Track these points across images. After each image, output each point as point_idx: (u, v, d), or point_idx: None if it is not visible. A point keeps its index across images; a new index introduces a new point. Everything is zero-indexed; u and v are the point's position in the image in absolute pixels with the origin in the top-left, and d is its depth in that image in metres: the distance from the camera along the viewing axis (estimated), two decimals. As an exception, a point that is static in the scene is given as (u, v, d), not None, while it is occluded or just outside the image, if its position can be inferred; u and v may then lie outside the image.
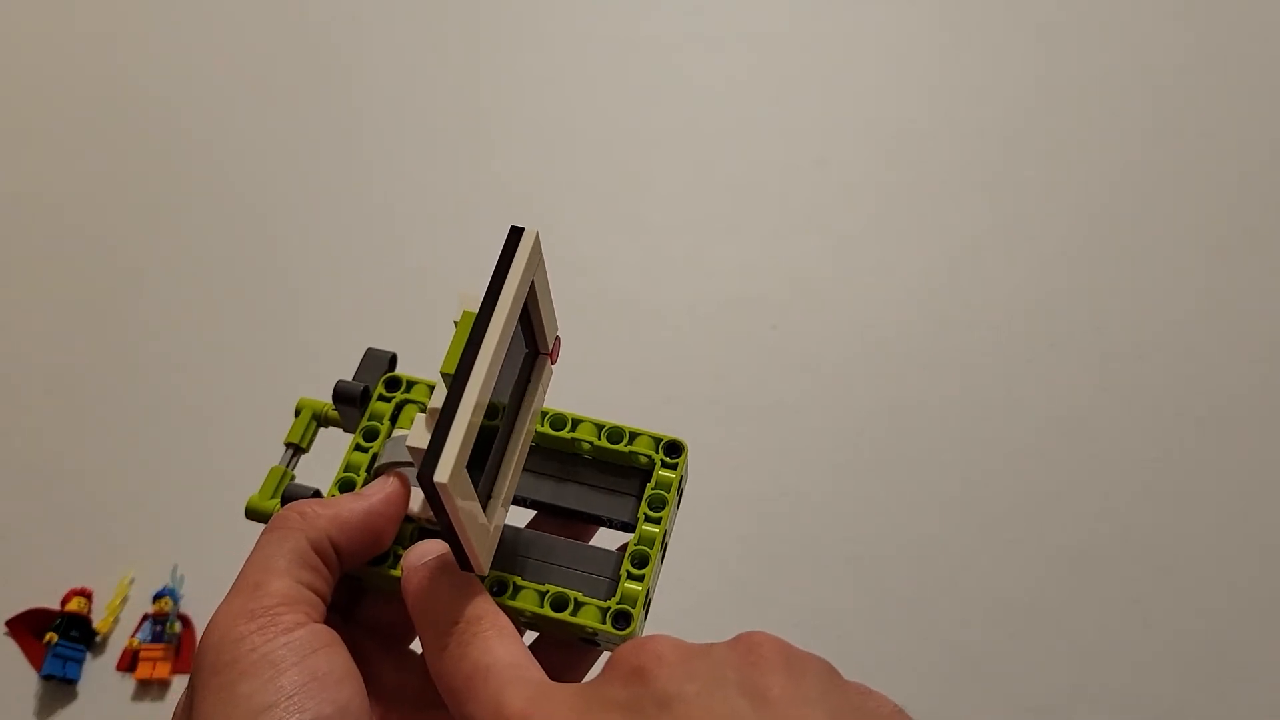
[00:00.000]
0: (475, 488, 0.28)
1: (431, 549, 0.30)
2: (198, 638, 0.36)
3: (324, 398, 0.36)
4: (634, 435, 0.34)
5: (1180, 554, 0.63)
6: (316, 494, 0.34)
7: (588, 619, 0.31)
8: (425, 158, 0.81)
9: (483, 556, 0.30)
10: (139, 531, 0.68)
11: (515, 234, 0.30)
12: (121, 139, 0.85)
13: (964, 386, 0.67)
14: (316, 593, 0.30)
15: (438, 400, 0.28)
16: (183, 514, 0.68)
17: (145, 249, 0.79)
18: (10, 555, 0.68)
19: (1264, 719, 0.59)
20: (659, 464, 0.33)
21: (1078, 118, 0.77)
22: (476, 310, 0.29)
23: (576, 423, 0.34)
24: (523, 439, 0.32)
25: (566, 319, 0.84)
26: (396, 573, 0.32)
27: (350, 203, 0.79)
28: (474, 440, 0.27)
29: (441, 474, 0.26)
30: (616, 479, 0.34)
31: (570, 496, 0.34)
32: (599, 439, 0.34)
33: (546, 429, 0.34)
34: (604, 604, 0.31)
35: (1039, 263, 0.72)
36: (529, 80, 0.84)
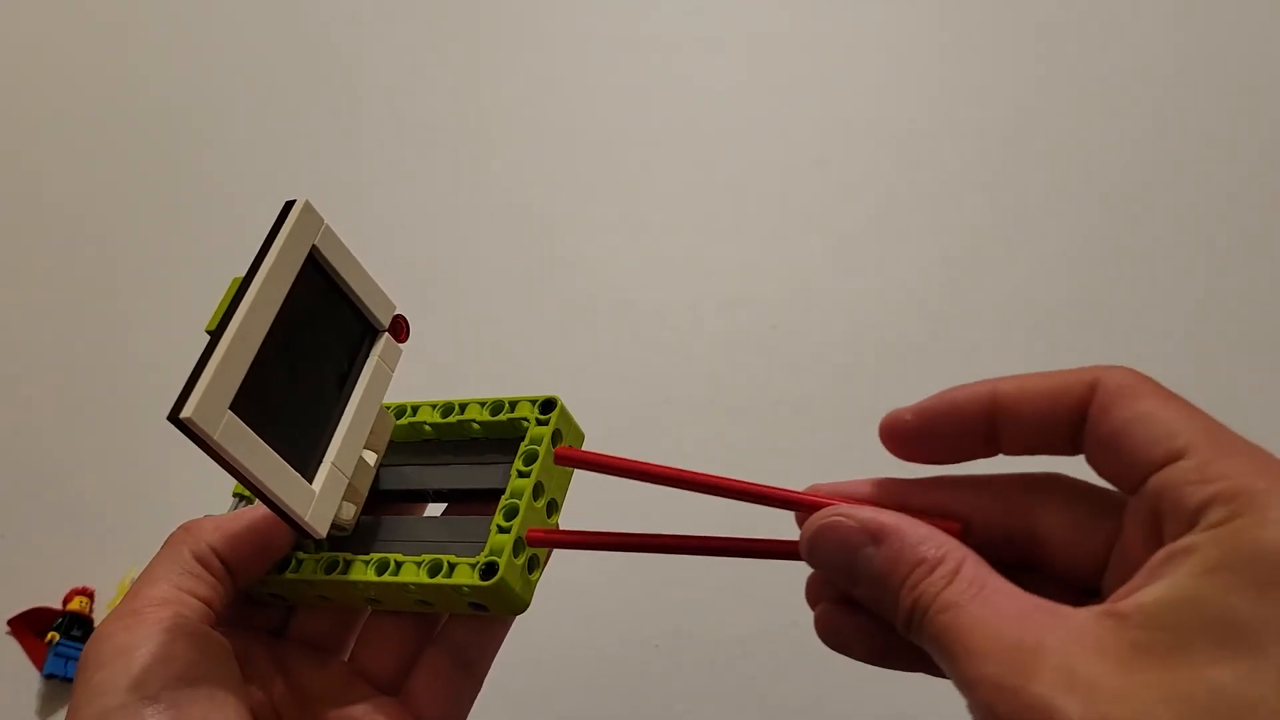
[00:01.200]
0: (273, 439, 0.29)
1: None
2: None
3: None
4: (514, 403, 0.34)
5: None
6: None
7: (462, 577, 0.30)
8: (425, 158, 0.81)
9: (308, 516, 0.30)
10: (140, 531, 0.68)
11: (287, 206, 0.32)
12: (121, 139, 0.85)
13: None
14: (197, 597, 0.31)
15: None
16: (183, 514, 0.68)
17: (146, 248, 0.80)
18: (11, 555, 0.68)
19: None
20: (534, 421, 0.33)
21: (1078, 118, 0.77)
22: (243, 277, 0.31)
23: (464, 406, 0.35)
24: (357, 410, 0.33)
25: (567, 319, 0.83)
26: (296, 576, 0.33)
27: (350, 202, 0.79)
28: (237, 387, 0.28)
29: (187, 409, 0.27)
30: (508, 452, 0.34)
31: (465, 477, 0.35)
32: (483, 414, 0.35)
33: (438, 418, 0.35)
34: (474, 559, 0.31)
35: (1040, 262, 0.72)
36: (529, 80, 0.84)
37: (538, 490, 0.32)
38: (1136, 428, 0.22)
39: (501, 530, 0.31)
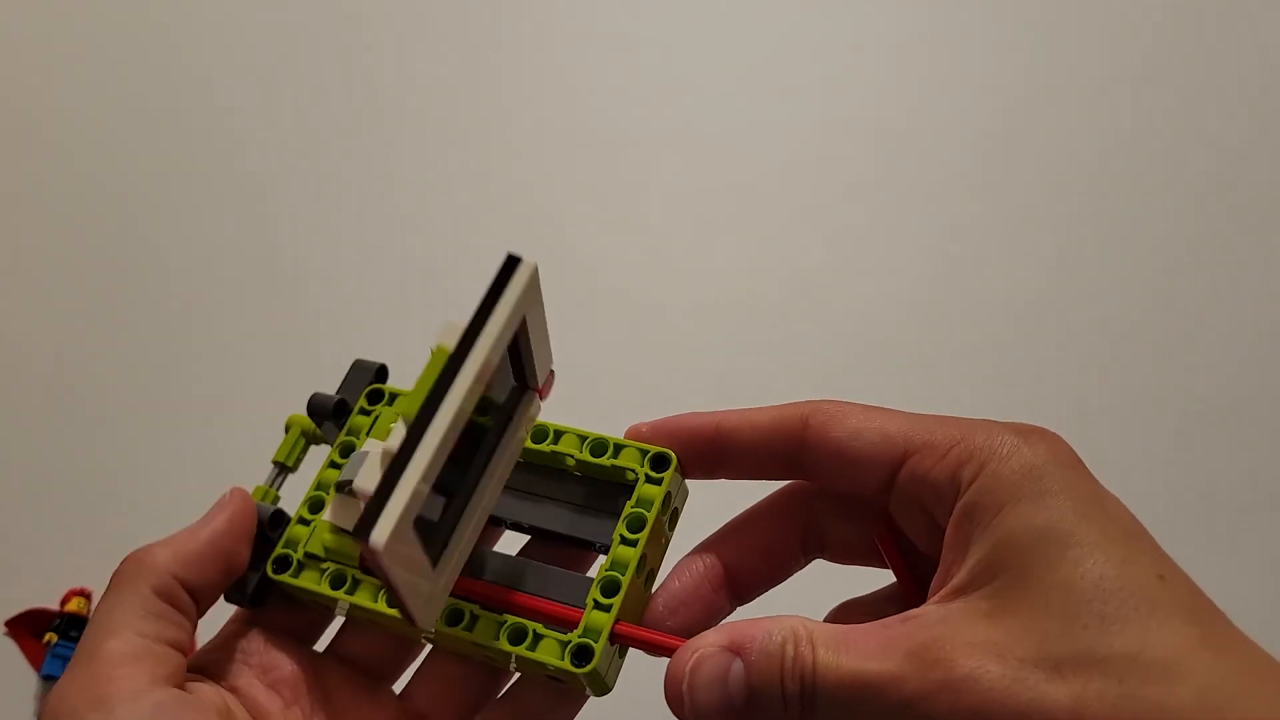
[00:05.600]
0: (425, 544, 0.24)
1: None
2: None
3: None
4: (619, 448, 0.30)
5: (1181, 551, 0.63)
6: (278, 514, 0.31)
7: (547, 655, 0.27)
8: (426, 157, 0.81)
9: (422, 615, 0.26)
10: (139, 532, 0.68)
11: (511, 264, 0.26)
12: (124, 137, 0.85)
13: (965, 386, 0.67)
14: (168, 642, 0.26)
15: (394, 442, 0.23)
16: (183, 514, 0.68)
17: (146, 248, 0.79)
18: (10, 555, 0.68)
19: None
20: (643, 478, 0.29)
21: (1079, 117, 0.77)
22: (452, 346, 0.25)
23: (559, 434, 0.30)
24: (494, 484, 0.28)
25: (567, 318, 0.83)
26: (299, 583, 0.29)
27: (354, 203, 0.79)
28: (426, 493, 0.23)
29: (379, 537, 0.22)
30: (605, 497, 0.30)
31: (556, 518, 0.30)
32: (582, 452, 0.30)
33: (528, 442, 0.30)
34: (565, 637, 0.27)
35: (1040, 262, 0.71)
36: (530, 80, 0.84)
37: (641, 563, 0.28)
38: (856, 441, 0.25)
39: (599, 607, 0.27)
